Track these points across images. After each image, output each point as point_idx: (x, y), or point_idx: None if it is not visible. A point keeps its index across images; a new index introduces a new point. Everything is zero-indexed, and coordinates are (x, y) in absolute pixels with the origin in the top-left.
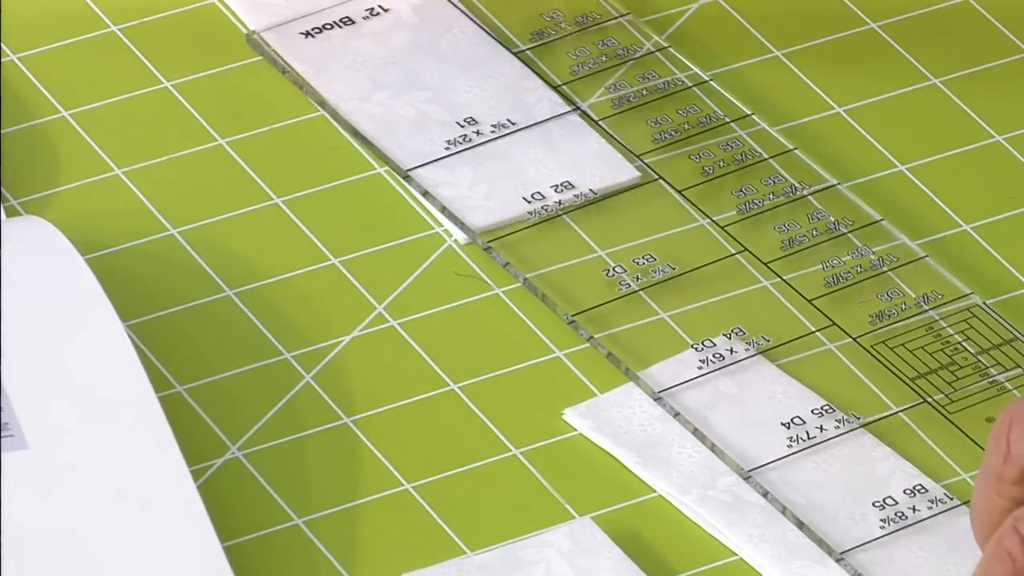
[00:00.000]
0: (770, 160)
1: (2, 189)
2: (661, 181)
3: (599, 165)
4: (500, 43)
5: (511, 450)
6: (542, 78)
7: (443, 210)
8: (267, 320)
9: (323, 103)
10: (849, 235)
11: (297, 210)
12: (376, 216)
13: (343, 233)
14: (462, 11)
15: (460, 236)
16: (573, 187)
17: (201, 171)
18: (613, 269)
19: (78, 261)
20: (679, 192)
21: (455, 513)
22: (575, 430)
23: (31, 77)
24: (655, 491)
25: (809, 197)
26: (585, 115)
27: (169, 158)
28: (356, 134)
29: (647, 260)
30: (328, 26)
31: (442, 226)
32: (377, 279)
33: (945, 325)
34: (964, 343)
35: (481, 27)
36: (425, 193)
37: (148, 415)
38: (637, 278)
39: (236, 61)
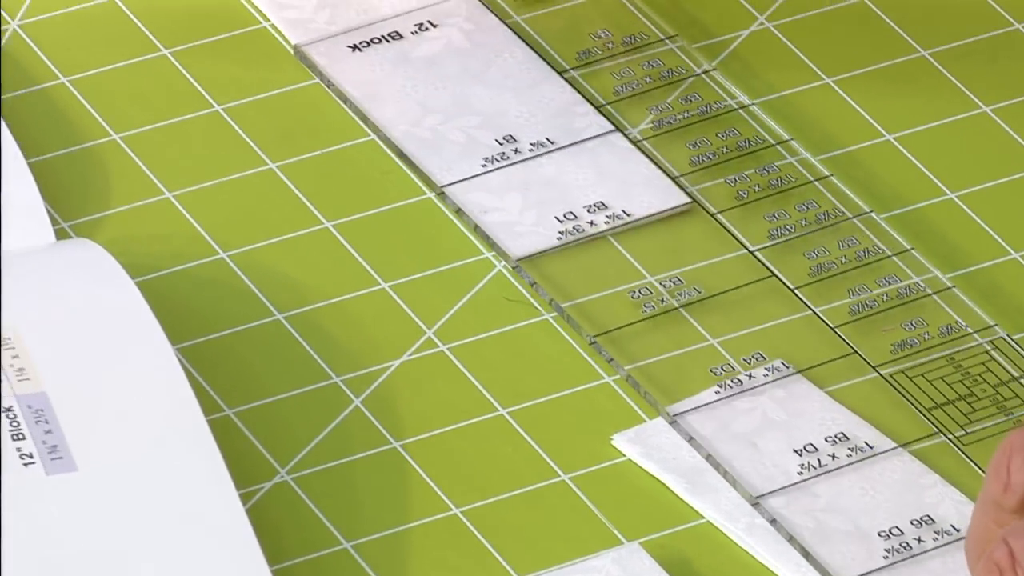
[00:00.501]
0: (805, 186)
1: (53, 211)
2: (696, 204)
3: (647, 190)
4: (551, 67)
5: (560, 475)
6: (587, 100)
7: (475, 229)
8: (316, 344)
9: (365, 120)
10: (878, 263)
11: (347, 234)
12: (426, 241)
13: (393, 257)
14: (513, 34)
15: (508, 262)
16: (606, 207)
17: (251, 195)
18: (639, 291)
19: (128, 284)
20: (712, 215)
21: (503, 538)
22: (624, 456)
23: (82, 100)
24: (704, 517)
25: (841, 224)
26: (626, 136)
27: (219, 181)
28: (401, 154)
29: (674, 283)
30: (377, 40)
31: (492, 251)
32: (426, 304)
33: (967, 356)
34: (983, 375)
35: (532, 50)
36: (458, 211)
37: (197, 438)
38: (662, 300)
39: (287, 85)
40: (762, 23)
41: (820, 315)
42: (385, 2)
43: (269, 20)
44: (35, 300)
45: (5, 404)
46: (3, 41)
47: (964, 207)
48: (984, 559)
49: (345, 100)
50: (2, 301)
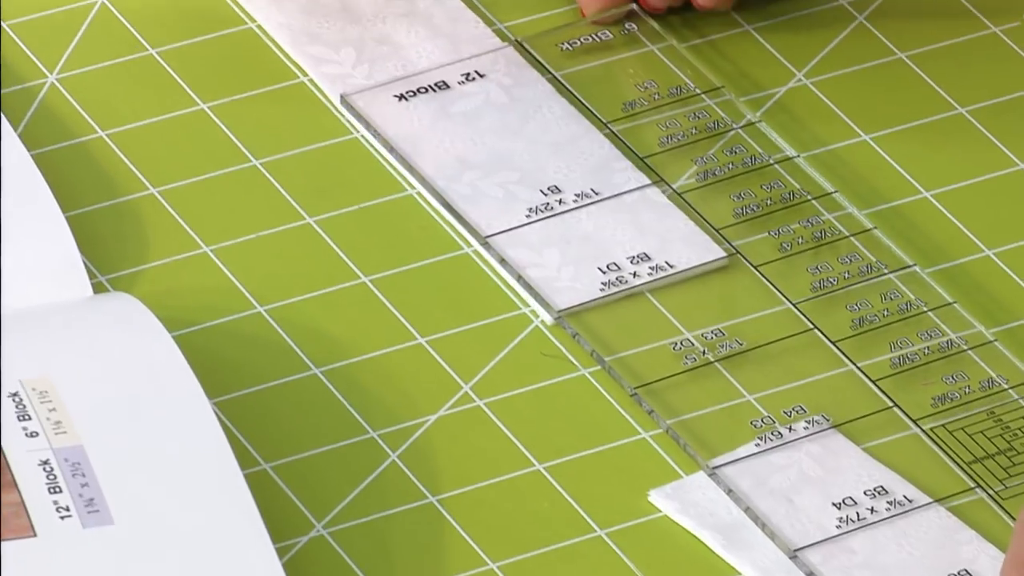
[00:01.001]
0: (848, 239)
1: (91, 264)
2: (738, 256)
3: (687, 244)
4: (591, 122)
5: (596, 531)
6: (631, 149)
7: (519, 279)
8: (353, 398)
9: (411, 170)
10: (919, 317)
11: (384, 289)
12: (463, 296)
13: (430, 312)
14: (552, 88)
15: (546, 316)
16: (649, 259)
17: (289, 249)
18: (680, 343)
19: (165, 337)
20: (755, 268)
21: None
22: (660, 511)
23: (119, 153)
24: (740, 574)
25: (883, 278)
26: (670, 188)
27: (257, 235)
28: (442, 207)
29: (715, 336)
30: (423, 89)
31: (528, 306)
32: (463, 358)
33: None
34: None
35: (572, 104)
36: (502, 260)
37: (234, 492)
38: (703, 353)
39: (325, 139)
40: (800, 79)
41: (860, 370)
42: (423, 57)
43: (307, 75)
44: (72, 353)
45: (42, 456)
46: (41, 95)
47: (1002, 264)
48: None
49: (390, 150)
50: (40, 353)
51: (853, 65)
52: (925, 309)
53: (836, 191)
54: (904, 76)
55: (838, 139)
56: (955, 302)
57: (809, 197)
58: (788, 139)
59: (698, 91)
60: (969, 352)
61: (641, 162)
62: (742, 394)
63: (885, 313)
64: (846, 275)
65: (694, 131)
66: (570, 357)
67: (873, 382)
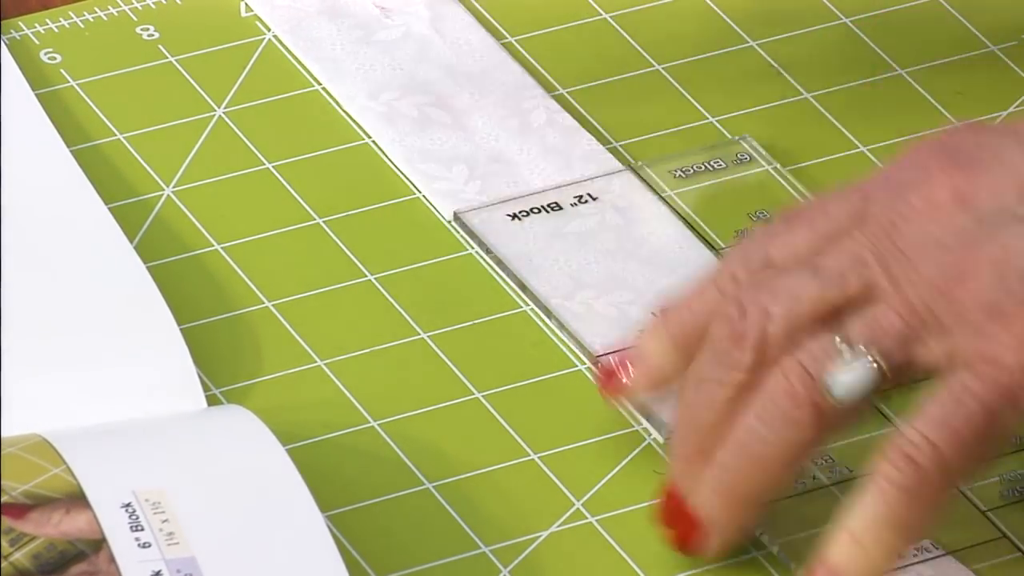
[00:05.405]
0: None
1: (205, 377)
2: None
3: None
4: (704, 243)
5: None
6: None
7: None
8: (465, 513)
9: (523, 287)
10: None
11: (497, 405)
12: (577, 412)
13: (543, 428)
14: (668, 209)
15: (658, 435)
16: None
17: (403, 364)
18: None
19: (279, 451)
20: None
21: None
22: None
23: (234, 266)
24: None
25: None
26: None
27: (371, 350)
28: (559, 324)
29: (825, 461)
30: (536, 210)
31: (641, 424)
32: (576, 475)
33: None
34: None
35: (686, 227)
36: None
37: None
38: (814, 477)
39: (439, 256)
40: None
41: (970, 497)
42: (535, 174)
43: (421, 191)
44: (186, 465)
45: (155, 568)
46: (158, 207)
47: None
48: None
49: (502, 267)
50: (153, 464)
51: None
52: None
53: None
54: None
55: None
56: None
57: None
58: None
59: None
60: None
61: None
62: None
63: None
64: None
65: None
66: None
67: (983, 511)
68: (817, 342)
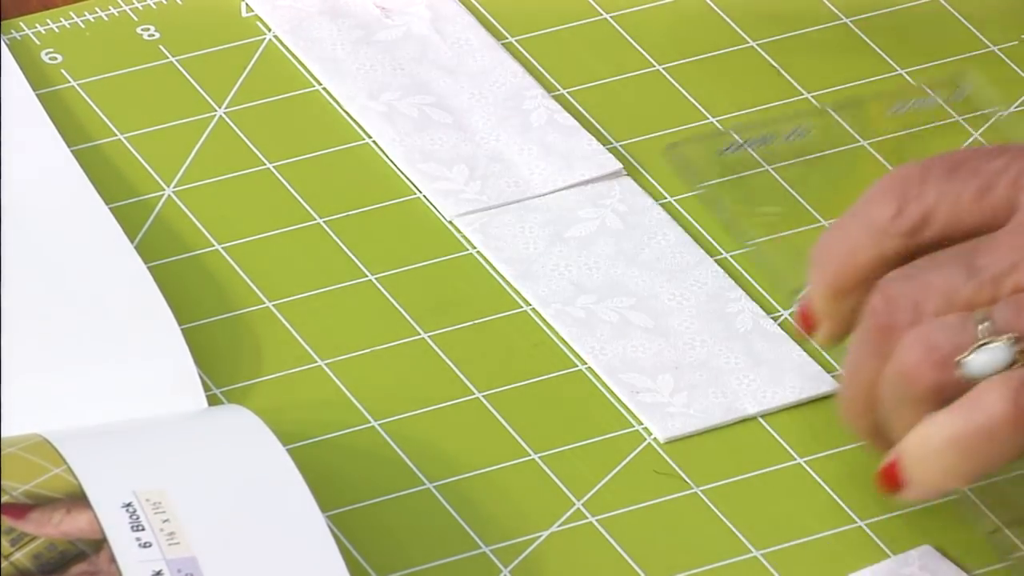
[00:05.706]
0: None
1: (206, 377)
2: None
3: (799, 377)
4: (704, 250)
5: None
6: (748, 278)
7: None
8: (466, 513)
9: (518, 294)
10: None
11: (498, 405)
12: (577, 413)
13: (543, 428)
14: (667, 215)
15: (658, 434)
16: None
17: (403, 364)
18: None
19: (280, 451)
20: None
21: None
22: None
23: (235, 266)
24: None
25: None
26: (783, 316)
27: (371, 350)
28: (557, 333)
29: None
30: (537, 214)
31: (642, 424)
32: (576, 475)
33: None
34: None
35: (686, 232)
36: (615, 380)
37: None
38: None
39: (440, 255)
40: None
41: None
42: (535, 174)
43: (421, 191)
44: (187, 465)
45: (155, 567)
46: (158, 207)
47: None
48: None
49: (503, 268)
50: (154, 464)
51: None
52: None
53: None
54: None
55: None
56: None
57: None
58: None
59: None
60: None
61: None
62: None
63: None
64: None
65: None
66: (683, 475)
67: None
68: (961, 323)
